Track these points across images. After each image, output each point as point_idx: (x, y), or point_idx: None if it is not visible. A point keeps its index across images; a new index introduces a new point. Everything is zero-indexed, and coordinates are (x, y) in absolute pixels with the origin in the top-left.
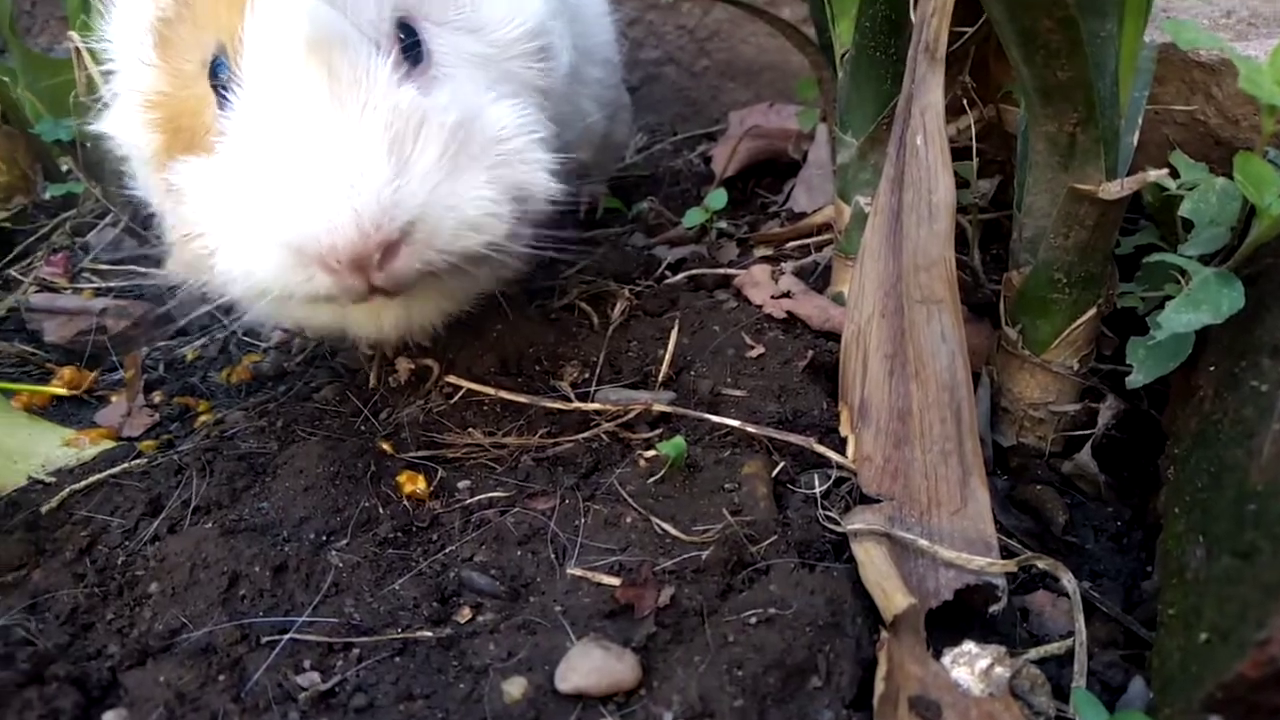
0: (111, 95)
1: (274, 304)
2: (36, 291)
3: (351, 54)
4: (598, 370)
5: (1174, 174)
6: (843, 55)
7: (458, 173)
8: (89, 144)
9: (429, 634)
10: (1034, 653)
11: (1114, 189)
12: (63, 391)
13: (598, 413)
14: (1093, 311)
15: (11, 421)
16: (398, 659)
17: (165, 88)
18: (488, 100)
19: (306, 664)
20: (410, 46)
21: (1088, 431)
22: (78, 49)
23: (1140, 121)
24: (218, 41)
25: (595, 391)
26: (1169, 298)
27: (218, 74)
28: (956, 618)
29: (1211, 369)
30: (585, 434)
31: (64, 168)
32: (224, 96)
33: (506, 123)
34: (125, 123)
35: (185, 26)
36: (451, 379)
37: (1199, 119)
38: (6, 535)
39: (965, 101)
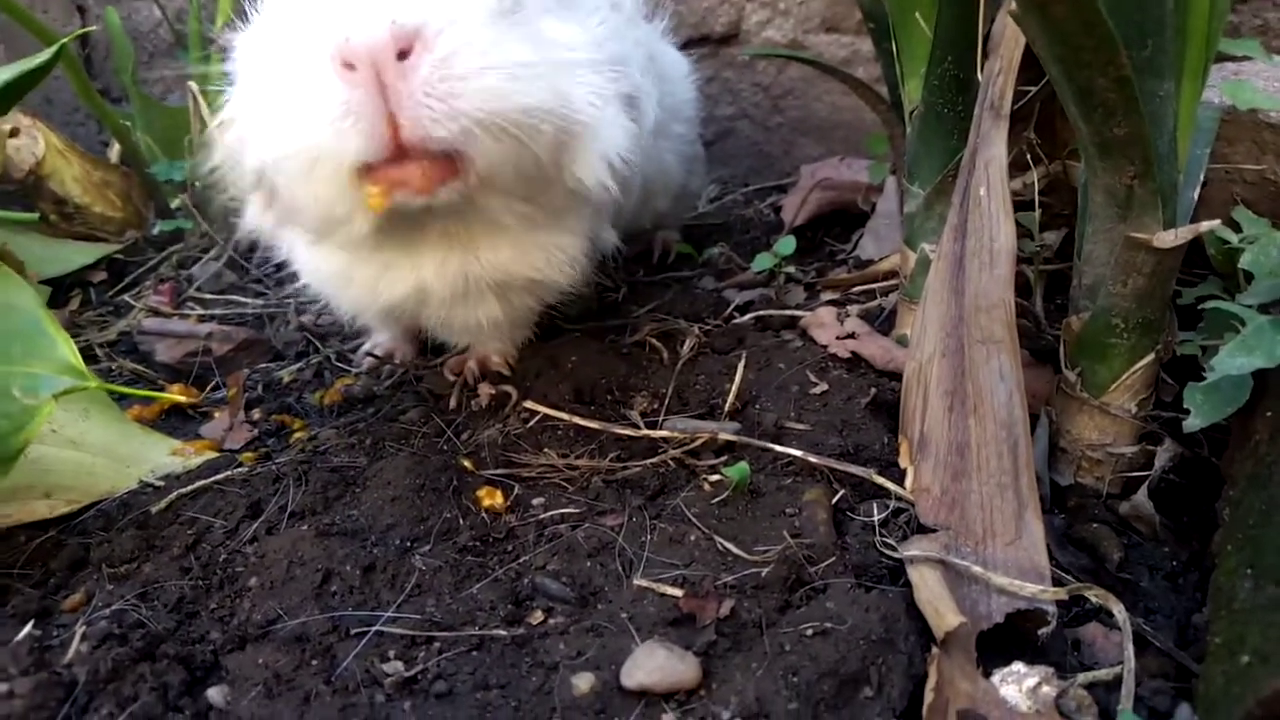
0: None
1: (310, 220)
2: (147, 317)
3: None
4: (666, 401)
5: (1238, 229)
6: (912, 111)
7: (504, 37)
8: (198, 184)
9: (504, 632)
10: (1083, 677)
11: (1168, 238)
12: (180, 399)
13: (665, 440)
14: (1151, 357)
15: (125, 431)
16: (475, 653)
17: None
18: (559, 18)
19: (391, 654)
20: None
21: (1145, 473)
22: (195, 97)
23: (1202, 177)
24: None
25: (663, 421)
26: (1227, 345)
27: None
28: (1008, 643)
29: (1268, 415)
30: (653, 459)
31: (174, 205)
32: None
33: (572, 36)
34: None
35: None
36: (529, 404)
37: (1269, 178)
38: (119, 532)
39: (1031, 157)
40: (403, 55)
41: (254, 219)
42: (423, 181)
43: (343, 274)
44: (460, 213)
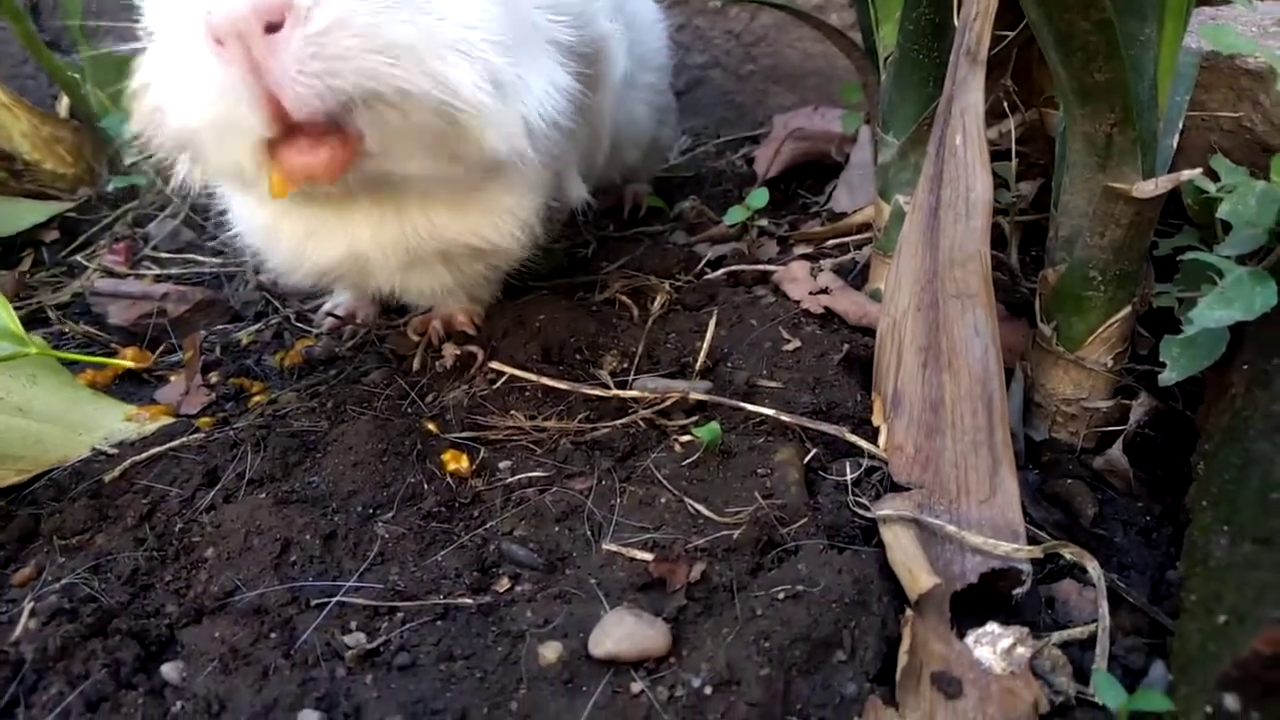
0: None
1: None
2: (100, 277)
3: None
4: (636, 360)
5: (1215, 178)
6: (886, 58)
7: (388, 10)
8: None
9: (469, 601)
10: (1057, 636)
11: (1148, 188)
12: (132, 365)
13: (635, 400)
14: (1127, 310)
15: (75, 397)
16: (439, 623)
17: None
18: None
19: (353, 625)
20: None
21: (1120, 428)
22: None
23: (1181, 125)
24: None
25: (633, 380)
26: (1205, 297)
27: None
28: (982, 603)
29: (1245, 367)
30: (623, 420)
31: (127, 161)
32: None
33: (467, 13)
34: None
35: None
36: (495, 365)
37: (1246, 125)
38: (71, 502)
39: (1007, 105)
40: (272, 28)
41: (185, 174)
42: (329, 170)
43: (270, 227)
44: (383, 179)
